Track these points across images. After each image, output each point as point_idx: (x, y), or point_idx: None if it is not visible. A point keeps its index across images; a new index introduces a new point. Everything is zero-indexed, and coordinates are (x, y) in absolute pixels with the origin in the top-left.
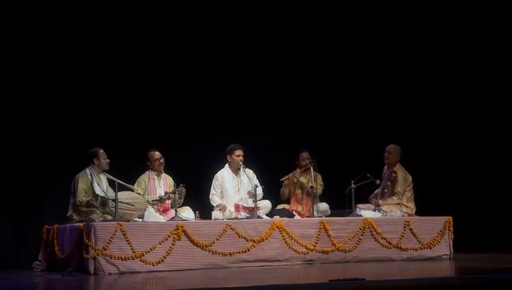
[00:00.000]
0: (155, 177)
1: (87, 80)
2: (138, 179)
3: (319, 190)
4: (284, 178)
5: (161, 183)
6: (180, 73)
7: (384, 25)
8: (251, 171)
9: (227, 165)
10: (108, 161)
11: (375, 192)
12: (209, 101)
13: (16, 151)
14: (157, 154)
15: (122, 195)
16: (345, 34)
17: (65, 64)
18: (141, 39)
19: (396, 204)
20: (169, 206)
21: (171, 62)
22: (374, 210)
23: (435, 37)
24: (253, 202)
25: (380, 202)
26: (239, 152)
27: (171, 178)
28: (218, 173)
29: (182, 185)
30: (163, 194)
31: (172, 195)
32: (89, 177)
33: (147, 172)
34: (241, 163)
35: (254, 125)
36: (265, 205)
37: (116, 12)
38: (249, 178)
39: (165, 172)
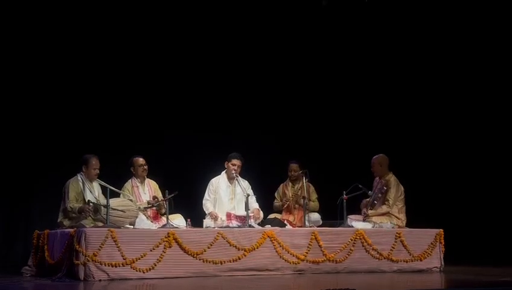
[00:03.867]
0: (138, 184)
1: (81, 84)
2: (122, 188)
3: (314, 204)
4: (284, 205)
5: (145, 190)
6: (172, 80)
7: (373, 37)
8: (246, 181)
9: (223, 172)
10: (98, 171)
11: (366, 200)
12: (202, 108)
13: (7, 155)
14: (141, 160)
15: (114, 202)
16: (336, 45)
17: (59, 70)
18: (135, 45)
19: (385, 214)
20: (157, 212)
21: (165, 69)
22: (363, 220)
23: (423, 48)
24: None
25: (370, 212)
26: (235, 161)
27: (154, 182)
28: (213, 179)
29: (172, 195)
30: (151, 199)
31: (163, 202)
32: (80, 183)
33: (130, 180)
34: (234, 173)
35: (245, 134)
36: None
37: (110, 20)
38: (242, 188)
39: (154, 178)
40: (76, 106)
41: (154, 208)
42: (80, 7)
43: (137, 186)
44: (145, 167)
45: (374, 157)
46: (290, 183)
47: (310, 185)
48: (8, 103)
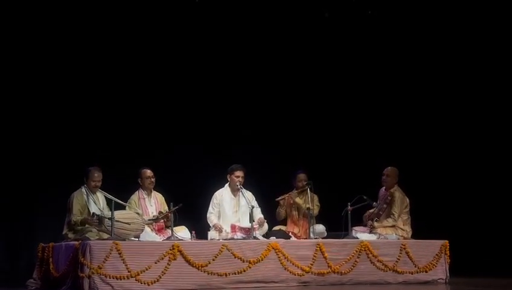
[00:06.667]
0: (145, 196)
1: (85, 97)
2: (129, 200)
3: (316, 210)
4: (279, 198)
5: (152, 202)
6: (176, 93)
7: (377, 44)
8: (250, 193)
9: (227, 184)
10: (98, 184)
11: (370, 211)
12: (207, 120)
13: (12, 168)
14: (149, 172)
15: (120, 214)
16: (339, 56)
17: (63, 82)
18: (141, 60)
19: (391, 227)
20: (164, 225)
21: (169, 82)
22: (370, 232)
23: (428, 59)
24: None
25: (375, 224)
26: (239, 173)
27: (161, 195)
28: (217, 192)
29: (176, 207)
30: (155, 213)
31: (169, 215)
32: (84, 196)
33: (137, 192)
34: (238, 184)
35: (251, 145)
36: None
37: (111, 31)
38: (246, 200)
39: (159, 190)
40: (80, 117)
41: (161, 221)
42: (84, 24)
43: (144, 199)
44: (153, 179)
45: (389, 168)
46: (296, 194)
47: (315, 195)
48: (11, 112)
